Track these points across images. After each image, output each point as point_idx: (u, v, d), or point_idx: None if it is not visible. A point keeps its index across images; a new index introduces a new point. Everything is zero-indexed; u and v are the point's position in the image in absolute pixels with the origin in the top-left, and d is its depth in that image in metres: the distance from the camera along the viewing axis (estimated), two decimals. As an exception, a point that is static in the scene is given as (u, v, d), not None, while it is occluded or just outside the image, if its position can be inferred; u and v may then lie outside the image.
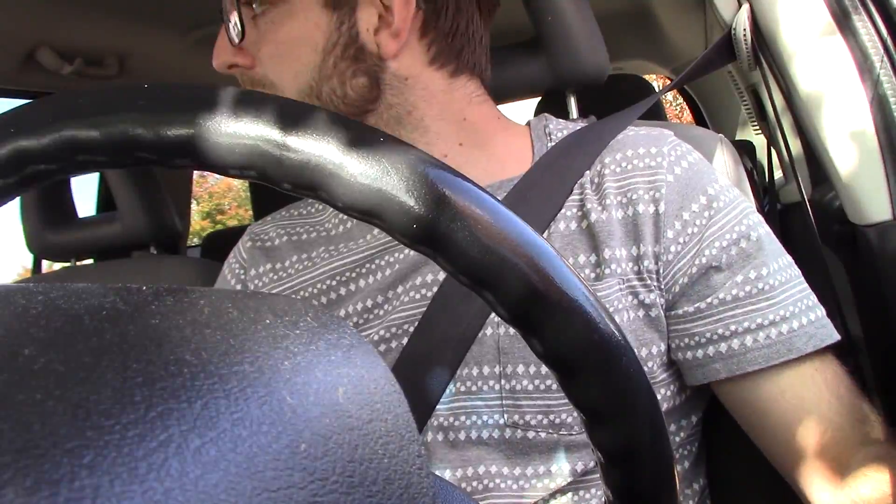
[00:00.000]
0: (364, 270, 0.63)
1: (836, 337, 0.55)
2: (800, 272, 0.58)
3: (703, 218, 0.57)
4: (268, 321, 0.17)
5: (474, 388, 0.56)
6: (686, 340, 0.57)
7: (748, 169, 0.95)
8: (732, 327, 0.55)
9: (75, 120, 0.24)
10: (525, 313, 0.22)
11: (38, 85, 1.36)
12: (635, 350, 0.52)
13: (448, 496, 0.30)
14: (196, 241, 3.33)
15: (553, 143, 0.65)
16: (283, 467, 0.13)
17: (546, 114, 0.71)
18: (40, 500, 0.10)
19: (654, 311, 0.56)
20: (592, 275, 0.58)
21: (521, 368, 0.55)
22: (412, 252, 0.61)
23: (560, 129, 0.68)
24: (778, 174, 1.37)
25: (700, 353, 0.56)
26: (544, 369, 0.54)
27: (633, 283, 0.56)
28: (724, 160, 0.77)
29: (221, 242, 2.10)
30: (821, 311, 0.56)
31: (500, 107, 0.76)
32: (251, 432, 0.13)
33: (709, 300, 0.56)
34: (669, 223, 0.56)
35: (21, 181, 0.25)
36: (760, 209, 0.83)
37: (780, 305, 0.55)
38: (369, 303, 0.61)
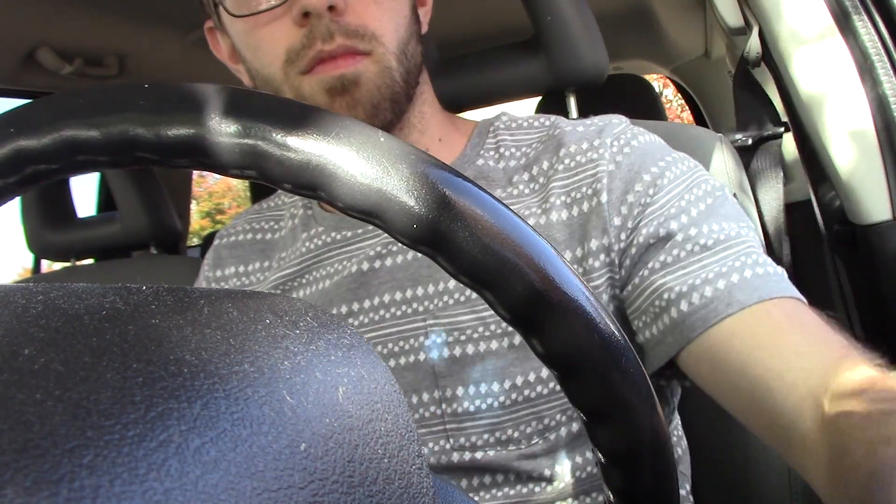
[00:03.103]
0: (298, 283, 0.62)
1: (794, 293, 0.49)
2: (753, 235, 0.53)
3: (647, 196, 0.54)
4: (268, 321, 0.17)
5: (416, 417, 0.55)
6: (636, 323, 0.54)
7: (748, 169, 0.95)
8: (665, 295, 0.50)
9: (75, 120, 0.24)
10: (525, 313, 0.22)
11: (38, 85, 1.36)
12: None
13: (448, 496, 0.30)
14: (196, 241, 3.33)
15: (494, 140, 0.63)
16: (283, 467, 0.13)
17: (506, 113, 0.68)
18: (40, 500, 0.10)
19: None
20: None
21: (460, 391, 0.54)
22: (343, 271, 0.59)
23: (514, 124, 0.64)
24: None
25: (649, 332, 0.53)
26: (484, 388, 0.53)
27: (593, 283, 0.54)
28: (724, 160, 0.76)
29: (221, 242, 2.09)
30: (774, 269, 0.50)
31: (501, 107, 0.76)
32: (251, 432, 0.13)
33: (642, 273, 0.53)
34: (615, 210, 0.54)
35: (21, 181, 0.25)
36: (759, 208, 0.82)
37: (716, 262, 0.50)
38: None
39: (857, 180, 0.74)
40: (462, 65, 0.86)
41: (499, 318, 0.50)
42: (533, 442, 0.54)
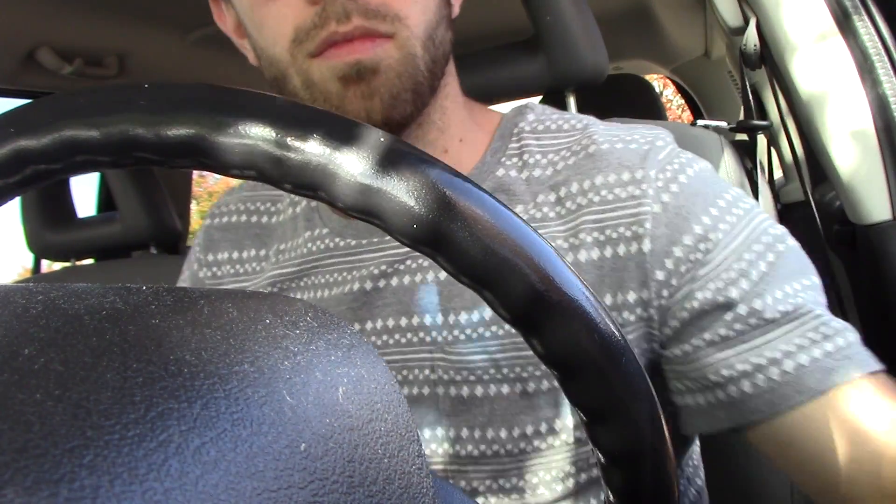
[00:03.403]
0: (295, 285, 0.57)
1: (869, 366, 0.45)
2: (818, 295, 0.48)
3: (699, 252, 0.47)
4: (268, 321, 0.17)
5: None
6: (677, 384, 0.50)
7: (748, 169, 0.95)
8: (724, 372, 0.46)
9: (75, 120, 0.24)
10: (525, 313, 0.22)
11: (38, 85, 1.36)
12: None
13: (448, 496, 0.30)
14: (196, 241, 3.32)
15: (517, 145, 0.56)
16: (283, 467, 0.13)
17: (531, 104, 0.61)
18: (40, 500, 0.10)
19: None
20: None
21: (465, 433, 0.50)
22: (344, 284, 0.54)
23: (540, 126, 0.57)
24: (778, 174, 1.37)
25: (693, 399, 0.49)
26: (490, 433, 0.49)
27: None
28: (724, 160, 0.77)
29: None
30: (846, 338, 0.46)
31: (498, 107, 0.76)
32: (251, 432, 0.13)
33: (694, 342, 0.48)
34: (658, 263, 0.48)
35: (21, 181, 0.25)
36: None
37: (782, 340, 0.45)
38: None
39: (857, 180, 0.74)
40: (462, 65, 0.86)
41: (511, 362, 0.49)
42: (538, 493, 0.50)
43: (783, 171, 1.35)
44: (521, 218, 0.23)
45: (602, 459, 0.24)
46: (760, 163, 1.01)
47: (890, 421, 0.44)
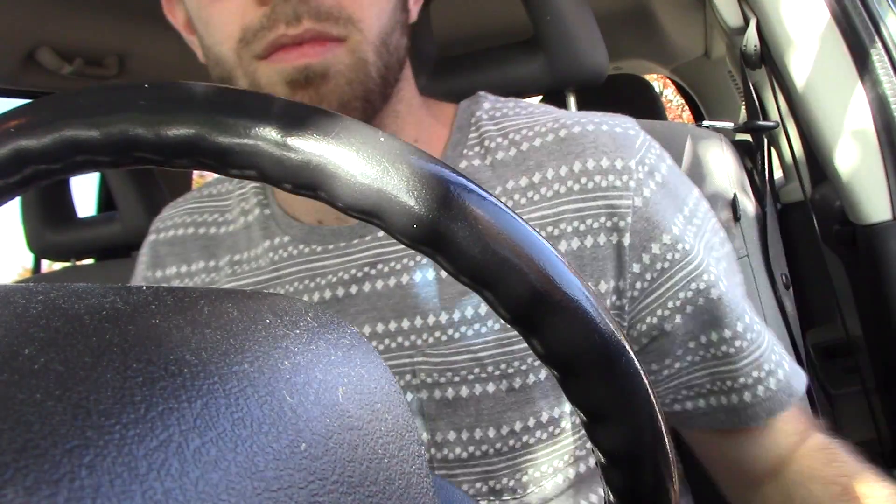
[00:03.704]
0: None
1: (800, 390, 0.54)
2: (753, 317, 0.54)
3: (666, 261, 0.50)
4: (268, 321, 0.17)
5: None
6: (671, 395, 0.54)
7: (748, 169, 0.95)
8: (729, 383, 0.52)
9: (75, 120, 0.24)
10: (525, 313, 0.22)
11: (38, 85, 1.36)
12: (566, 403, 0.50)
13: (448, 496, 0.30)
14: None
15: (477, 134, 0.55)
16: (283, 467, 0.13)
17: (486, 96, 0.59)
18: (40, 500, 0.10)
19: None
20: None
21: (451, 435, 0.50)
22: (310, 293, 0.53)
23: (497, 112, 0.56)
24: (778, 174, 1.37)
25: (688, 404, 0.54)
26: (479, 433, 0.49)
27: None
28: (724, 160, 0.77)
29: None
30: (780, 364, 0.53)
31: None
32: (251, 432, 0.13)
33: (665, 364, 0.52)
34: (635, 257, 0.49)
35: (21, 181, 0.25)
36: (760, 209, 0.83)
37: (770, 350, 0.53)
38: None
39: (857, 180, 0.74)
40: (462, 64, 0.86)
41: (496, 360, 0.49)
42: (528, 491, 0.51)
43: (783, 171, 1.35)
44: (521, 218, 0.23)
45: (602, 459, 0.24)
46: (761, 163, 1.01)
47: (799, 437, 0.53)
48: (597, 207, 0.49)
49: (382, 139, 0.23)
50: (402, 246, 0.49)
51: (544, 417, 0.50)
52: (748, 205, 0.78)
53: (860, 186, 0.74)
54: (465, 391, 0.49)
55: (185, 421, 0.12)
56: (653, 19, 1.69)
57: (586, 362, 0.22)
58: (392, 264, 0.51)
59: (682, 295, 0.50)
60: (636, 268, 0.49)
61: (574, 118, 0.53)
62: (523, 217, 0.52)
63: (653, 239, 0.49)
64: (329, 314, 0.19)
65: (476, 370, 0.49)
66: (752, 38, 0.82)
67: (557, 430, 0.50)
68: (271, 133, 0.23)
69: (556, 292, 0.22)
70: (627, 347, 0.23)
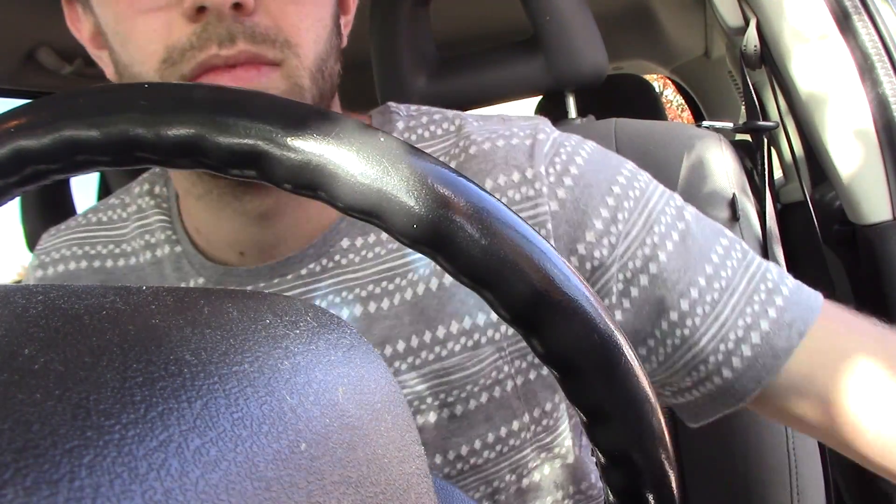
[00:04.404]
0: None
1: (816, 303, 0.47)
2: (738, 245, 0.49)
3: (595, 259, 0.48)
4: (268, 321, 0.17)
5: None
6: (668, 389, 0.51)
7: (748, 169, 0.95)
8: (701, 368, 0.47)
9: (75, 120, 0.24)
10: (525, 313, 0.22)
11: (38, 85, 1.36)
12: (511, 421, 0.49)
13: (448, 496, 0.30)
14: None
15: None
16: (283, 467, 0.13)
17: (392, 104, 0.56)
18: (40, 500, 0.10)
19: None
20: (459, 346, 0.48)
21: (464, 450, 0.50)
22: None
23: (413, 135, 0.53)
24: (778, 174, 1.37)
25: (691, 395, 0.50)
26: (492, 437, 0.50)
27: (518, 345, 0.49)
28: (724, 160, 0.77)
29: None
30: (786, 284, 0.47)
31: (500, 107, 0.76)
32: (251, 432, 0.13)
33: (643, 355, 0.48)
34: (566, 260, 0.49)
35: (21, 181, 0.25)
36: (760, 209, 0.83)
37: (735, 317, 0.46)
38: None
39: (857, 180, 0.74)
40: (461, 65, 0.86)
41: (434, 390, 0.48)
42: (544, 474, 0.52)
43: (783, 171, 1.35)
44: (521, 218, 0.23)
45: (602, 459, 0.24)
46: (761, 163, 1.01)
47: (863, 335, 0.46)
48: None
49: (382, 139, 0.23)
50: (325, 284, 0.48)
51: (490, 436, 0.50)
52: (748, 205, 0.78)
53: (860, 186, 0.74)
54: (418, 420, 0.49)
55: (185, 421, 0.12)
56: (653, 19, 1.69)
57: (586, 362, 0.22)
58: (329, 297, 0.50)
59: (615, 288, 0.48)
60: None
61: (484, 133, 0.51)
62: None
63: (577, 240, 0.48)
64: (329, 314, 0.19)
65: (415, 402, 0.49)
66: (752, 38, 0.82)
67: (506, 447, 0.51)
68: (271, 133, 0.23)
69: (556, 292, 0.22)
70: (627, 347, 0.23)
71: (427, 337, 0.48)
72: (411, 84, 0.83)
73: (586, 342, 0.22)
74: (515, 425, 0.50)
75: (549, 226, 0.47)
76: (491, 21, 1.49)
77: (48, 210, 1.42)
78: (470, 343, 0.48)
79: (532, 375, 0.50)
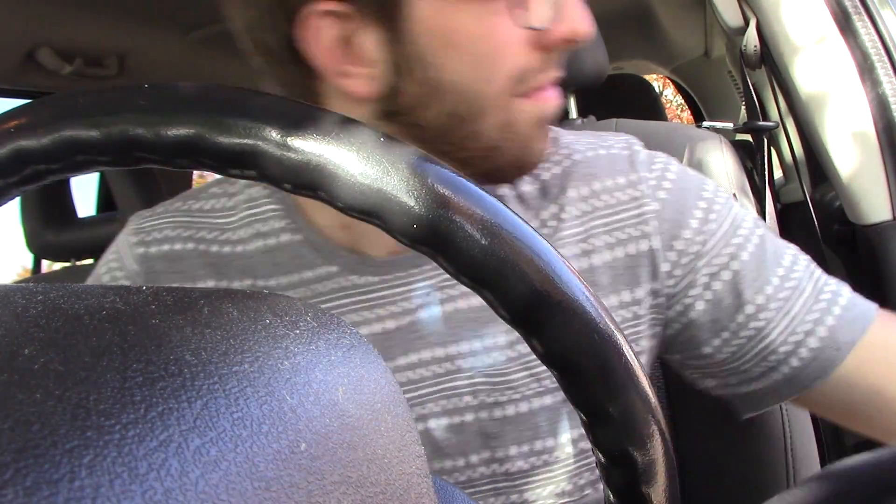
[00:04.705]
0: None
1: (874, 306, 0.53)
2: (803, 256, 0.55)
3: (689, 255, 0.53)
4: (268, 321, 0.17)
5: (462, 479, 0.52)
6: (728, 379, 0.54)
7: (748, 169, 0.95)
8: (772, 358, 0.52)
9: (75, 120, 0.24)
10: (525, 313, 0.22)
11: (38, 85, 1.36)
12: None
13: (448, 496, 0.30)
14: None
15: None
16: (282, 467, 0.13)
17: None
18: (40, 500, 0.10)
19: (646, 354, 0.54)
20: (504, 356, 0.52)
21: (513, 450, 0.52)
22: (365, 325, 0.52)
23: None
24: (778, 174, 1.37)
25: (756, 385, 0.53)
26: (539, 444, 0.52)
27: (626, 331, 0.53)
28: (724, 160, 0.76)
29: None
30: (844, 289, 0.53)
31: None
32: (251, 432, 0.13)
33: (704, 352, 0.53)
34: (663, 256, 0.53)
35: (21, 181, 0.25)
36: (760, 209, 0.83)
37: (804, 313, 0.51)
38: None
39: (857, 180, 0.74)
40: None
41: (550, 373, 0.50)
42: (585, 494, 0.54)
43: (783, 171, 1.35)
44: (521, 218, 0.23)
45: (602, 459, 0.24)
46: (761, 163, 1.01)
47: None
48: (622, 221, 0.53)
49: (382, 139, 0.23)
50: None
51: None
52: (748, 205, 0.78)
53: (860, 186, 0.74)
54: (524, 407, 0.52)
55: (185, 421, 0.12)
56: (653, 19, 1.69)
57: (586, 362, 0.22)
58: (449, 290, 0.52)
59: (701, 280, 0.52)
60: (666, 266, 0.53)
61: (584, 145, 0.56)
62: (562, 240, 0.53)
63: (675, 237, 0.53)
64: (329, 314, 0.19)
65: (534, 385, 0.52)
66: (752, 39, 0.82)
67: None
68: (271, 133, 0.23)
69: (556, 292, 0.22)
70: (627, 347, 0.23)
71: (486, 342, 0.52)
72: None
73: (586, 342, 0.22)
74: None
75: (653, 223, 0.53)
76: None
77: (48, 210, 1.42)
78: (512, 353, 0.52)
79: None
